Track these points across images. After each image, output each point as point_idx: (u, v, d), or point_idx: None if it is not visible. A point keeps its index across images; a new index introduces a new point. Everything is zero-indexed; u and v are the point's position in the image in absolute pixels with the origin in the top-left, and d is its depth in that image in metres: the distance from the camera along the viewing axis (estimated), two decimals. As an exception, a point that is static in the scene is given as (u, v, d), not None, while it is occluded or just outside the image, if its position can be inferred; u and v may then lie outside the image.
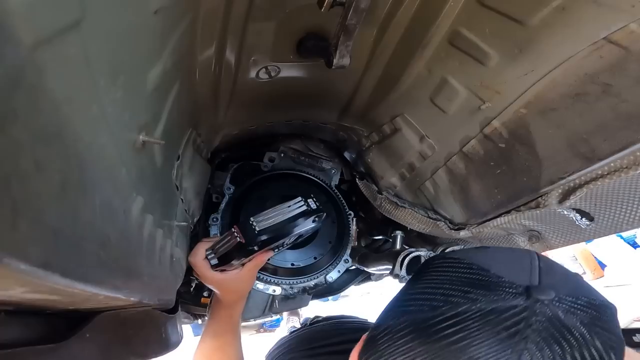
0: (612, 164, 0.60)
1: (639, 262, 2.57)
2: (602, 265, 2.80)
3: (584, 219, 0.83)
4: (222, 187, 1.15)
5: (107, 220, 0.31)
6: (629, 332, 1.68)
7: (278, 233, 0.81)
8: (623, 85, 0.50)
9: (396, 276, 1.06)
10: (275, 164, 1.22)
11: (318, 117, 1.11)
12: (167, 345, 0.59)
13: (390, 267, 1.10)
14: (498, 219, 0.81)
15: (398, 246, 1.15)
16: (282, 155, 1.24)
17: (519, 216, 0.79)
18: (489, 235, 1.04)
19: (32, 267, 0.19)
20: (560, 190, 0.70)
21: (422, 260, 1.07)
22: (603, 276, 2.78)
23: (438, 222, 0.92)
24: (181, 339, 0.70)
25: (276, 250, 0.97)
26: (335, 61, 0.65)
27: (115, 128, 0.32)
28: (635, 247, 2.72)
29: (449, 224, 0.90)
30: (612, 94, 0.51)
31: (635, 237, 2.73)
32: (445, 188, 0.86)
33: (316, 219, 0.85)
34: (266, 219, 0.80)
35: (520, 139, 0.65)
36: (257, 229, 0.78)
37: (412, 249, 1.07)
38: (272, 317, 4.17)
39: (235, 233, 0.78)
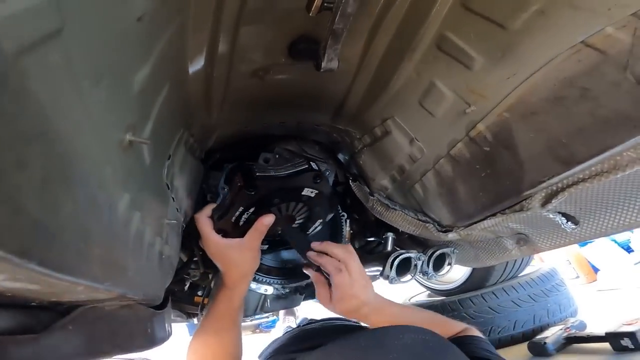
0: (592, 168, 0.62)
1: (632, 266, 2.58)
2: (596, 270, 2.81)
3: (569, 222, 0.84)
4: (216, 187, 1.16)
5: (90, 215, 0.32)
6: (617, 336, 1.69)
7: (278, 184, 0.82)
8: (600, 90, 0.52)
9: (386, 277, 1.08)
10: (270, 164, 1.23)
11: (312, 119, 1.12)
12: (153, 340, 0.60)
13: (381, 268, 1.12)
14: (485, 221, 0.82)
15: (389, 248, 1.16)
16: (277, 156, 1.25)
17: (505, 219, 0.80)
18: (477, 238, 1.05)
19: (9, 255, 0.20)
20: (543, 194, 0.71)
21: (412, 261, 1.09)
22: (596, 280, 2.80)
23: (427, 225, 0.93)
24: (169, 335, 0.71)
25: (278, 229, 0.96)
26: (323, 64, 0.66)
27: (100, 128, 0.33)
28: (629, 252, 2.73)
29: (437, 226, 0.91)
30: (590, 98, 0.52)
31: (630, 242, 2.74)
32: (433, 190, 0.88)
33: (318, 180, 0.87)
34: (268, 168, 0.82)
35: (503, 142, 0.67)
36: (257, 173, 0.80)
37: (402, 251, 1.08)
38: (267, 317, 4.17)
39: (237, 178, 0.79)
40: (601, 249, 2.74)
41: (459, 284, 2.10)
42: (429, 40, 0.70)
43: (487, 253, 1.10)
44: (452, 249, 1.13)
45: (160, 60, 0.43)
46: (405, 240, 1.25)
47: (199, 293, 1.64)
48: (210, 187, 1.18)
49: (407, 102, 0.83)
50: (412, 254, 1.08)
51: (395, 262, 1.05)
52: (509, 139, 0.65)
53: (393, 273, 1.06)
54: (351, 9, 0.56)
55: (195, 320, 1.96)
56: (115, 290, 0.38)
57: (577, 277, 2.86)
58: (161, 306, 0.69)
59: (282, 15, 0.66)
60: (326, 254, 0.87)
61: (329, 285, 0.87)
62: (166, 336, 0.67)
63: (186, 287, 1.60)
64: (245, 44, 0.69)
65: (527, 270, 2.06)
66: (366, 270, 1.21)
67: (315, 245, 0.90)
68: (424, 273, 1.12)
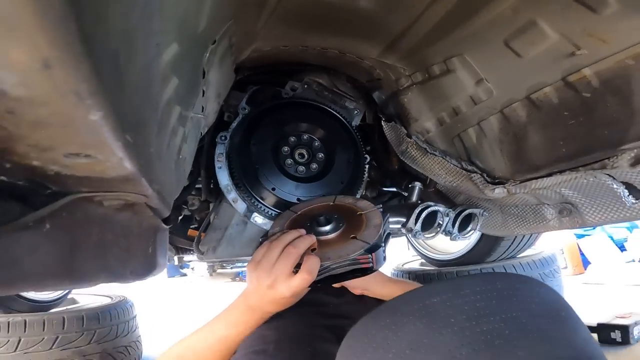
0: None
1: (623, 264, 2.61)
2: (586, 263, 2.85)
3: (630, 196, 0.77)
4: (236, 107, 1.05)
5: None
6: (609, 328, 1.72)
7: None
8: None
9: (409, 230, 0.99)
10: (297, 93, 1.11)
11: (358, 50, 0.99)
12: (153, 264, 0.47)
13: (404, 220, 1.03)
14: (545, 179, 0.73)
15: (414, 198, 1.07)
16: (305, 86, 1.13)
17: (571, 179, 0.72)
18: (516, 203, 0.97)
19: None
20: (633, 154, 0.63)
21: (439, 216, 1.00)
22: (583, 273, 2.84)
23: (472, 175, 0.84)
24: (166, 263, 0.60)
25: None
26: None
27: None
28: (622, 250, 2.76)
29: (486, 178, 0.82)
30: None
31: (626, 241, 2.75)
32: (492, 137, 0.78)
33: None
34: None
35: (613, 89, 0.59)
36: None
37: (430, 203, 0.99)
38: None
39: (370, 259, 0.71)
40: (596, 243, 2.75)
41: (457, 256, 2.07)
42: None
43: (519, 221, 1.02)
44: (482, 210, 1.05)
45: None
46: (430, 194, 1.16)
47: (192, 226, 1.54)
48: (229, 106, 1.06)
49: (487, 40, 0.73)
50: (440, 208, 0.99)
51: (423, 215, 0.97)
52: (624, 86, 0.58)
53: (418, 226, 0.97)
54: None
55: (177, 259, 1.87)
56: (126, 155, 0.25)
57: (565, 267, 2.90)
58: (167, 220, 0.58)
59: None
60: None
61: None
62: (165, 263, 0.55)
63: (180, 218, 1.50)
64: None
65: (527, 252, 2.04)
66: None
67: None
68: (447, 232, 1.04)
